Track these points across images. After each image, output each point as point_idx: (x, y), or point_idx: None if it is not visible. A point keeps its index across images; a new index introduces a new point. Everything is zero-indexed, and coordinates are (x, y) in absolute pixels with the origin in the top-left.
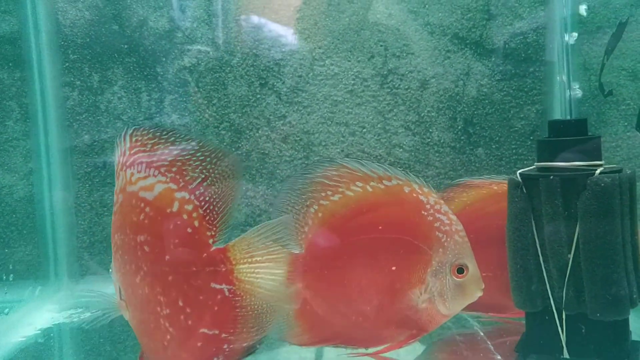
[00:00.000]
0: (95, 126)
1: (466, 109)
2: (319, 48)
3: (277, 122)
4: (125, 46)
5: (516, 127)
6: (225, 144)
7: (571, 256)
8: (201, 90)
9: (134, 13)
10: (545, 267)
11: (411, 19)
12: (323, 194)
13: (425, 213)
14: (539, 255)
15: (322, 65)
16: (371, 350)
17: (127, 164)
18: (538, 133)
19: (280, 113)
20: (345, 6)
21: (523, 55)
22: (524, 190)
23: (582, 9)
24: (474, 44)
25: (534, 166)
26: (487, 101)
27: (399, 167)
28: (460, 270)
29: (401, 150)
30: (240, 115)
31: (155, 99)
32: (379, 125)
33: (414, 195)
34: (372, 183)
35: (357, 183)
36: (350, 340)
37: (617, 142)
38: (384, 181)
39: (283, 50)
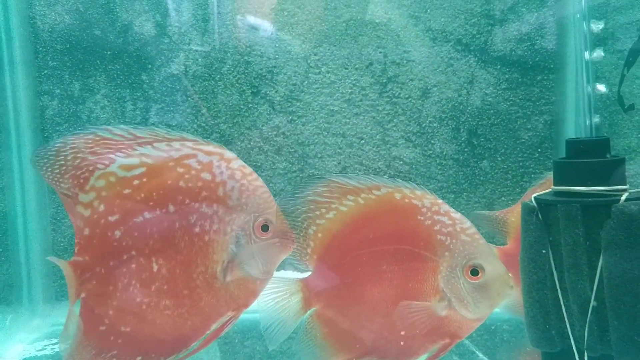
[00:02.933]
0: None
1: (470, 120)
2: (315, 55)
3: (270, 133)
4: (109, 52)
5: (523, 138)
6: None
7: (594, 292)
8: (190, 99)
9: (118, 17)
10: (564, 303)
11: (412, 24)
12: (318, 213)
13: (422, 217)
14: (557, 290)
15: (318, 73)
16: None
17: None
18: (546, 145)
19: (274, 123)
20: (342, 11)
21: (530, 62)
22: (540, 217)
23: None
24: (478, 50)
25: (550, 189)
26: (492, 111)
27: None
28: (475, 271)
29: (401, 162)
30: (231, 125)
31: (141, 108)
32: (377, 136)
33: (406, 200)
34: (363, 195)
35: (349, 197)
36: (385, 354)
37: (630, 155)
38: (373, 191)
39: (276, 57)
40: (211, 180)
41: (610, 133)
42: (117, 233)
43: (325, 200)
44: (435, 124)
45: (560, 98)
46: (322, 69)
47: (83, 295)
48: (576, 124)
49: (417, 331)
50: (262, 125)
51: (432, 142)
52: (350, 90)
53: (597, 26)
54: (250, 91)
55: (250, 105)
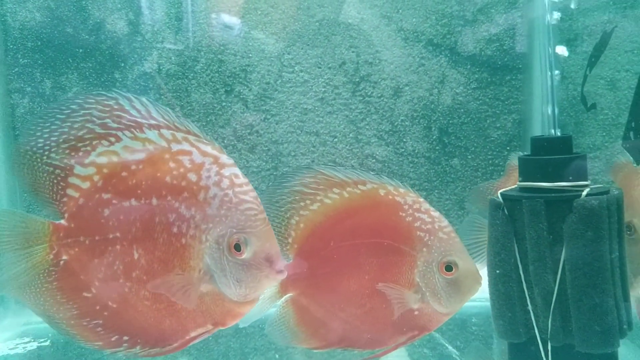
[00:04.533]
0: None
1: (441, 118)
2: (288, 54)
3: (243, 132)
4: (81, 50)
5: (492, 137)
6: None
7: (557, 283)
8: (163, 97)
9: (90, 15)
10: (529, 295)
11: (384, 24)
12: (302, 204)
13: (404, 214)
14: (522, 282)
15: (291, 72)
16: (378, 351)
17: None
18: (515, 143)
19: (247, 122)
20: (315, 10)
21: (499, 62)
22: (506, 212)
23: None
24: (449, 50)
25: (515, 185)
26: (462, 110)
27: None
28: (449, 267)
29: (374, 160)
30: (204, 124)
31: None
32: (350, 135)
33: (390, 197)
34: (348, 189)
35: (334, 189)
36: (356, 343)
37: (595, 153)
38: (359, 186)
39: (250, 56)
40: (195, 182)
41: (576, 131)
42: (107, 211)
43: (311, 191)
44: (407, 123)
45: (528, 97)
46: (296, 68)
47: (65, 257)
48: (542, 122)
49: (389, 318)
50: (236, 124)
51: (404, 140)
52: (323, 89)
53: (563, 28)
54: (223, 90)
55: (224, 103)
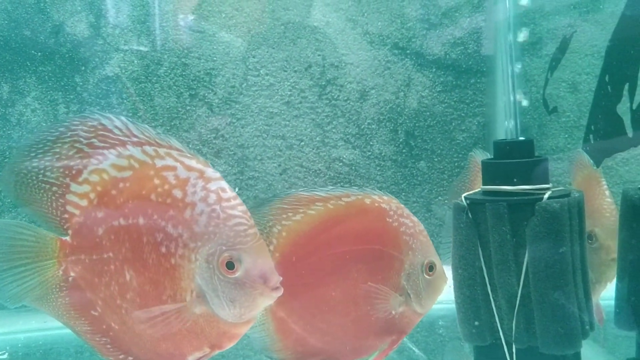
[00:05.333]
0: (5, 141)
1: (407, 121)
2: (253, 57)
3: (209, 136)
4: (39, 53)
5: (458, 139)
6: None
7: (520, 286)
8: (125, 101)
9: (49, 18)
10: (493, 298)
11: (350, 27)
12: (284, 216)
13: (390, 220)
14: (486, 285)
15: (257, 75)
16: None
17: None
18: (480, 146)
19: (212, 126)
20: (280, 13)
21: (464, 66)
22: (470, 216)
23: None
24: (415, 54)
25: (479, 189)
26: (428, 113)
27: (344, 184)
28: (431, 267)
29: (341, 164)
30: (168, 128)
31: (75, 112)
32: (317, 138)
33: (376, 205)
34: (331, 201)
35: (317, 203)
36: (334, 355)
37: (558, 155)
38: (343, 198)
39: (214, 59)
40: (181, 199)
41: (539, 134)
42: (100, 230)
43: (291, 207)
44: (373, 126)
45: (492, 101)
46: (261, 71)
47: (72, 274)
48: (506, 125)
49: (372, 325)
50: (201, 128)
51: (371, 143)
52: (289, 93)
53: (525, 32)
54: (188, 93)
55: (188, 107)
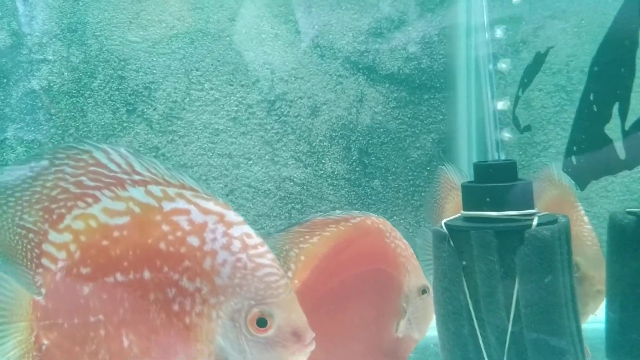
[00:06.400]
0: None
1: (360, 138)
2: (197, 70)
3: (148, 154)
4: None
5: (412, 157)
6: None
7: (511, 321)
8: (55, 117)
9: None
10: (481, 333)
11: (299, 40)
12: (301, 239)
13: (388, 240)
14: (473, 320)
15: (201, 90)
16: None
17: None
18: (435, 163)
19: (152, 144)
20: (226, 24)
21: (417, 81)
22: (452, 244)
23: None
24: (367, 68)
25: (459, 214)
26: (382, 130)
27: (295, 204)
28: (424, 291)
29: (292, 183)
30: None
31: None
32: (266, 157)
33: (375, 225)
34: (342, 223)
35: (330, 226)
36: None
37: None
38: (350, 220)
39: (154, 72)
40: (198, 247)
41: (494, 151)
42: (86, 289)
43: (308, 230)
44: (325, 143)
45: (448, 117)
46: (205, 85)
47: (45, 342)
48: (468, 142)
49: (381, 343)
50: (140, 146)
51: (323, 161)
52: (236, 108)
53: (486, 47)
54: (125, 109)
55: (126, 124)
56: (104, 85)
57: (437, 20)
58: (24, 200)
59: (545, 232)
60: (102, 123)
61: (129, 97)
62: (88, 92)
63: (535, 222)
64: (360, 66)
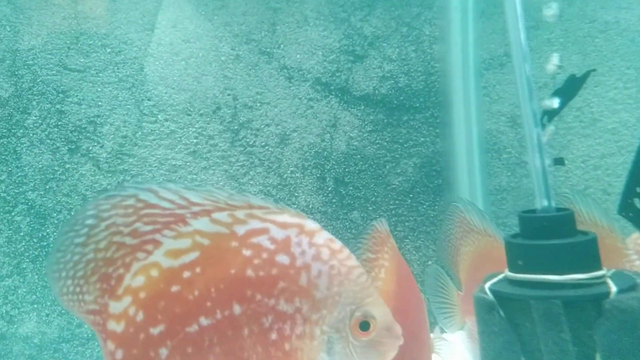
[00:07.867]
0: None
1: (336, 167)
2: (148, 100)
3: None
4: None
5: (393, 184)
6: (22, 233)
7: None
8: None
9: None
10: None
11: (264, 61)
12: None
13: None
14: None
15: (154, 122)
16: None
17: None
18: (418, 190)
19: (101, 186)
20: (180, 47)
21: (395, 102)
22: (502, 315)
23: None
24: (340, 90)
25: (502, 275)
26: (359, 156)
27: None
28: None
29: None
30: (42, 193)
31: None
32: None
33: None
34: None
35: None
36: None
37: (502, 195)
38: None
39: (99, 104)
40: (290, 264)
41: (482, 173)
42: (164, 351)
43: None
44: (297, 174)
45: (431, 139)
46: (159, 116)
47: None
48: (463, 168)
49: None
50: (86, 190)
51: (296, 194)
52: (195, 141)
53: (473, 62)
54: (66, 148)
55: (68, 165)
56: (40, 121)
57: (413, 34)
58: (79, 277)
59: (631, 302)
60: (40, 166)
61: (70, 134)
62: (21, 131)
63: (613, 289)
64: (332, 87)
